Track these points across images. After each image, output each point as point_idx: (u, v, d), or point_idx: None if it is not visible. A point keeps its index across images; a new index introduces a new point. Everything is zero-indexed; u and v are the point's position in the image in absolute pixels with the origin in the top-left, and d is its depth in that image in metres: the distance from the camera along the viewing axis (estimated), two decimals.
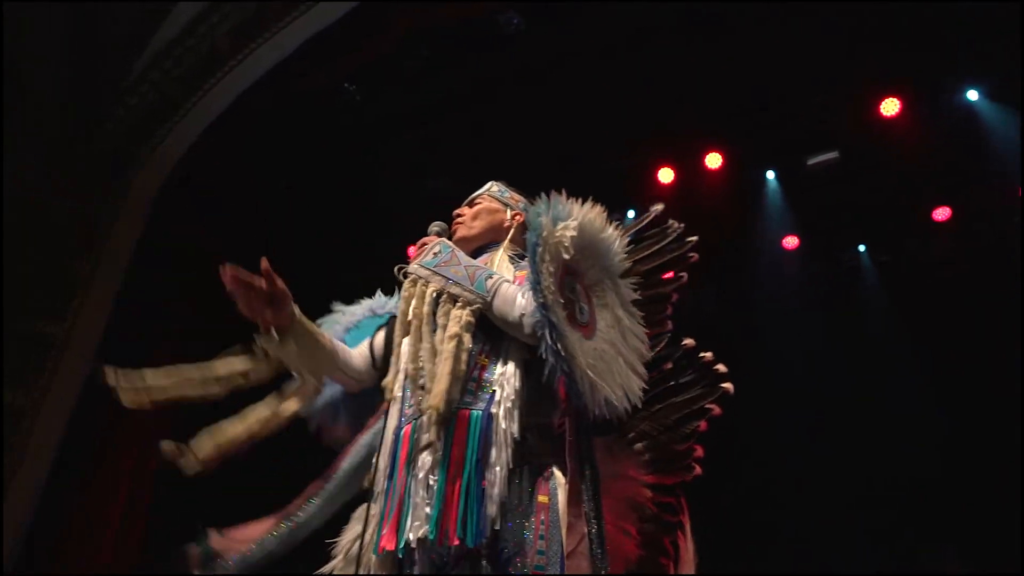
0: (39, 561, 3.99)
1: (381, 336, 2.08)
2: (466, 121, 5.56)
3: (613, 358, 1.73)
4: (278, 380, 2.04)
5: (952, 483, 5.08)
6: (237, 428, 1.95)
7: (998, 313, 5.11)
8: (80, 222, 4.62)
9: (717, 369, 1.93)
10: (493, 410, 1.73)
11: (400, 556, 1.69)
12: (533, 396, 1.79)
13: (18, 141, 4.32)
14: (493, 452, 1.69)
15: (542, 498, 1.70)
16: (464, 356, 1.74)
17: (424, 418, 1.72)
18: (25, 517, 4.02)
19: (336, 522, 1.92)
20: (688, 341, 1.97)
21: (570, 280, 1.79)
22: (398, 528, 1.66)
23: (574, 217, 1.77)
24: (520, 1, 4.76)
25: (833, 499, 5.27)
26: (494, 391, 1.76)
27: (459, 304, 1.82)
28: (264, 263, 1.89)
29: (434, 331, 1.80)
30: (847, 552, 5.08)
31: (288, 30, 4.70)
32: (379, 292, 2.35)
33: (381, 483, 1.76)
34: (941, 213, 5.66)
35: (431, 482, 1.67)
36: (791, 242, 6.06)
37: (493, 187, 2.24)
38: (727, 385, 1.91)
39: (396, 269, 1.98)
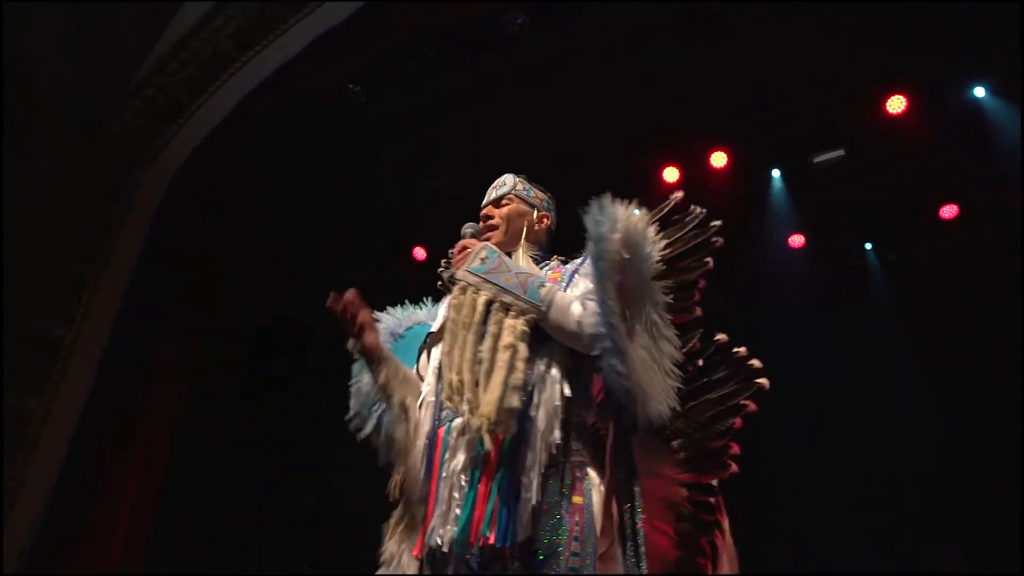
0: (48, 562, 4.02)
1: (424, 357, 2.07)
2: (469, 121, 5.56)
3: (652, 364, 1.72)
4: None
5: (953, 483, 5.05)
6: None
7: (1007, 311, 5.07)
8: (86, 224, 4.64)
9: (751, 364, 1.90)
10: (532, 413, 1.72)
11: (436, 558, 1.70)
12: (571, 396, 1.78)
13: (24, 144, 4.34)
14: (529, 455, 1.68)
15: (577, 499, 1.69)
16: (520, 366, 1.71)
17: (460, 421, 1.72)
18: (35, 519, 4.05)
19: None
20: (721, 336, 1.94)
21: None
22: (427, 532, 1.67)
23: (620, 221, 1.74)
24: (522, 1, 4.75)
25: (833, 499, 5.24)
26: (531, 392, 1.74)
27: (512, 313, 1.79)
28: (349, 294, 1.95)
29: (479, 340, 1.77)
30: (847, 552, 5.06)
31: (291, 32, 4.72)
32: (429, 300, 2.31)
33: (419, 488, 1.78)
34: (948, 211, 5.63)
35: (462, 483, 1.68)
36: (797, 241, 6.04)
37: (518, 185, 2.19)
38: (762, 381, 1.88)
39: (441, 274, 1.97)
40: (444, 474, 1.71)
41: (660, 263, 1.81)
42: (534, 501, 1.65)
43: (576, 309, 1.77)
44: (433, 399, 1.86)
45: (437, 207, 5.22)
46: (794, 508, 5.19)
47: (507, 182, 2.20)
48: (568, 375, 1.79)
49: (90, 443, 4.33)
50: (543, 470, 1.68)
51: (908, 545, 5.10)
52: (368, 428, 1.99)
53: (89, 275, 4.56)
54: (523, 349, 1.73)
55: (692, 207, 1.92)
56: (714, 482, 1.94)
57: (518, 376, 1.70)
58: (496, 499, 1.64)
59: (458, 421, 1.74)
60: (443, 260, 2.22)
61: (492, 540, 1.61)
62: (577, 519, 1.66)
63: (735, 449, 1.90)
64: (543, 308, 1.79)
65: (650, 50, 5.06)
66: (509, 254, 2.06)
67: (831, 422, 5.41)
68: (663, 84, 5.15)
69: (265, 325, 5.56)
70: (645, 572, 1.62)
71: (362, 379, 2.06)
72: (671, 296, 1.80)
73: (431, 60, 5.07)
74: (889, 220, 5.87)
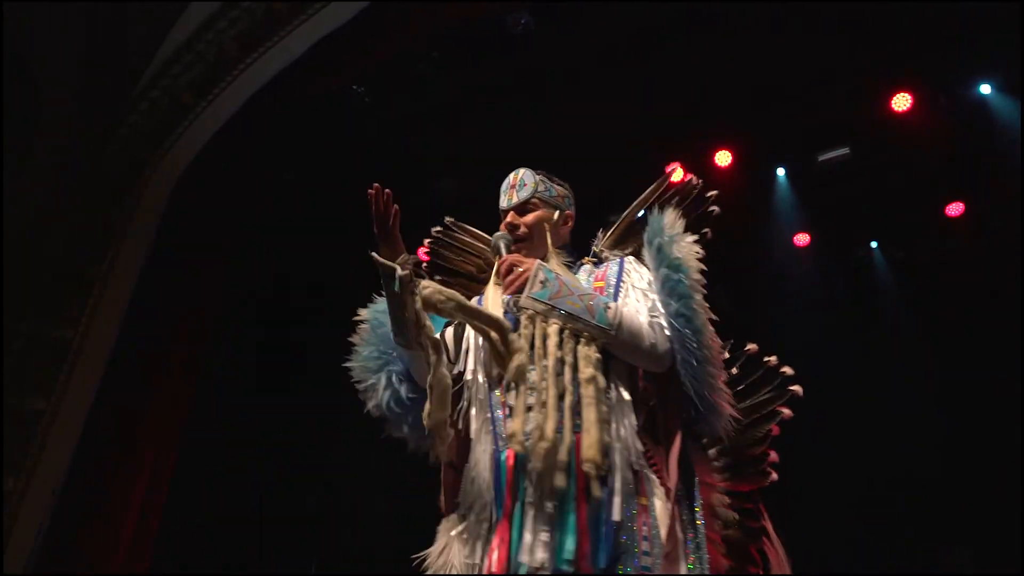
0: (55, 563, 4.03)
1: (450, 333, 2.05)
2: (474, 121, 5.56)
3: (718, 377, 1.82)
4: None
5: (953, 483, 5.02)
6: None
7: (1014, 309, 5.05)
8: (92, 227, 4.66)
9: (784, 372, 1.98)
10: (606, 438, 1.71)
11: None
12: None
13: (31, 147, 4.36)
14: (618, 480, 1.69)
15: (642, 500, 1.72)
16: (604, 398, 1.74)
17: (543, 447, 1.66)
18: (42, 520, 4.07)
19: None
20: (751, 346, 2.02)
21: None
22: (509, 556, 1.65)
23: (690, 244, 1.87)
24: (526, 1, 4.76)
25: (835, 499, 5.22)
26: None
27: (583, 340, 1.79)
28: (376, 188, 1.91)
29: (559, 372, 1.75)
30: (847, 552, 5.05)
31: (296, 33, 4.74)
32: None
33: (484, 509, 1.76)
34: (954, 208, 5.61)
35: (549, 509, 1.67)
36: (802, 239, 6.02)
37: (539, 186, 2.12)
38: (796, 388, 1.95)
39: (505, 300, 1.92)
40: (528, 499, 1.68)
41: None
42: (617, 518, 1.67)
43: (647, 331, 1.82)
44: (489, 415, 1.83)
45: (443, 208, 5.22)
46: (794, 508, 5.17)
47: (527, 182, 2.12)
48: (631, 390, 1.84)
49: (97, 445, 4.35)
50: (625, 491, 1.71)
51: (908, 545, 5.08)
52: (380, 385, 1.95)
53: (96, 277, 4.58)
54: (602, 380, 1.76)
55: (689, 178, 2.09)
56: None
57: (606, 410, 1.73)
58: (594, 526, 1.65)
59: (541, 448, 1.67)
60: (427, 240, 2.28)
61: (600, 565, 1.62)
62: (645, 519, 1.70)
63: (774, 456, 1.94)
64: (612, 332, 1.80)
65: (654, 49, 5.07)
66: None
67: (837, 420, 5.38)
68: (667, 83, 5.15)
69: (270, 325, 5.58)
70: (708, 572, 1.69)
71: (381, 323, 1.99)
72: None
73: (436, 61, 5.08)
74: (894, 218, 5.85)
